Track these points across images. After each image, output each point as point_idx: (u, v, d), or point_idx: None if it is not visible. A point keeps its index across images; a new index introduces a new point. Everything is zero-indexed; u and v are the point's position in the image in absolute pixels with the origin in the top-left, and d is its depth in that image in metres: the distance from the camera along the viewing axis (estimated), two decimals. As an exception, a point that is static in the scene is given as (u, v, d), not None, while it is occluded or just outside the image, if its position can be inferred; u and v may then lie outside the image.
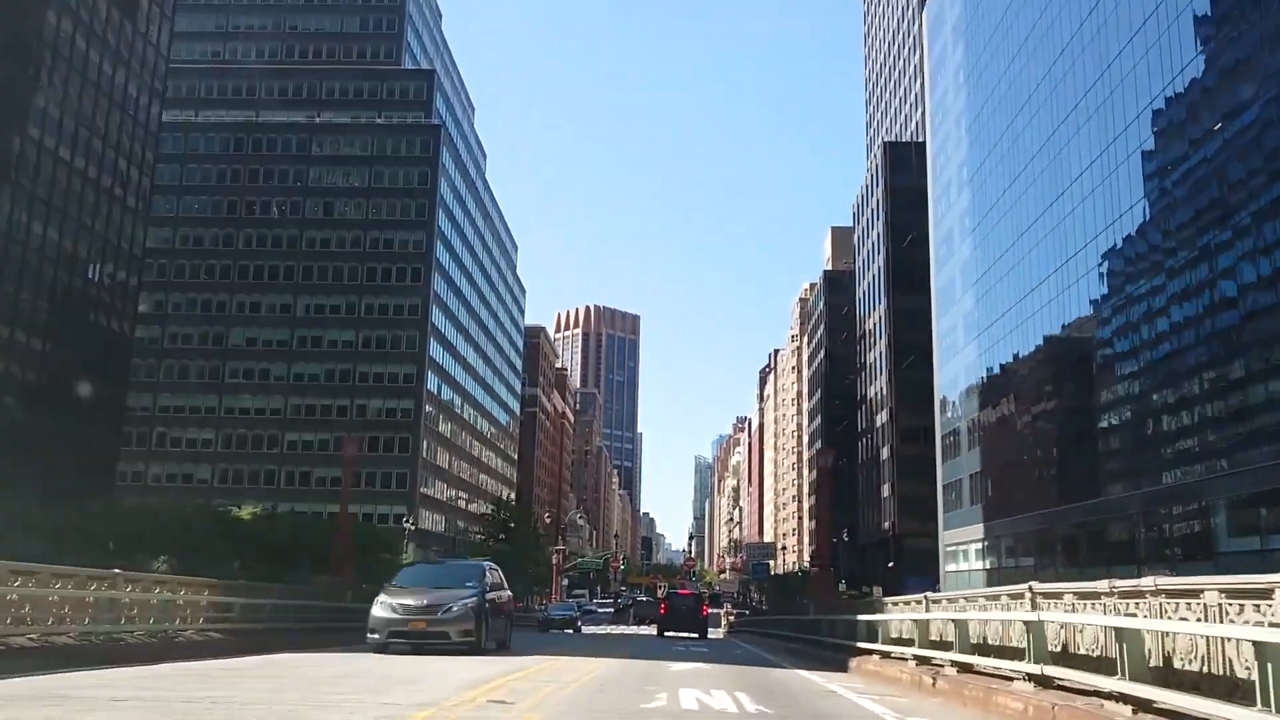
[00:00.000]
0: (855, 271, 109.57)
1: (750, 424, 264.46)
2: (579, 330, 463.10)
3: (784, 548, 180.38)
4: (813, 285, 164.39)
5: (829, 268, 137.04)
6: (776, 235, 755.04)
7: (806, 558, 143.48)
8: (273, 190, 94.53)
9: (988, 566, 59.49)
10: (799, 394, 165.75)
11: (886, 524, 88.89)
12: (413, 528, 72.20)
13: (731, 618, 62.14)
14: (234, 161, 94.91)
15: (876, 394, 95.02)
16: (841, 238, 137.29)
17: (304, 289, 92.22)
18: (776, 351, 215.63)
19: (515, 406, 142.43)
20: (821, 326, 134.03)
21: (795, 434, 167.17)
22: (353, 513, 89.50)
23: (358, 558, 52.22)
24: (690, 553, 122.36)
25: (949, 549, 67.58)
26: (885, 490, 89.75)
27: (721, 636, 59.60)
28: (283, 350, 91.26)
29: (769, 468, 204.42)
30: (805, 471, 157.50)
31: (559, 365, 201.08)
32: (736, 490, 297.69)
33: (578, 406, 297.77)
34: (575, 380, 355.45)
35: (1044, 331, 51.07)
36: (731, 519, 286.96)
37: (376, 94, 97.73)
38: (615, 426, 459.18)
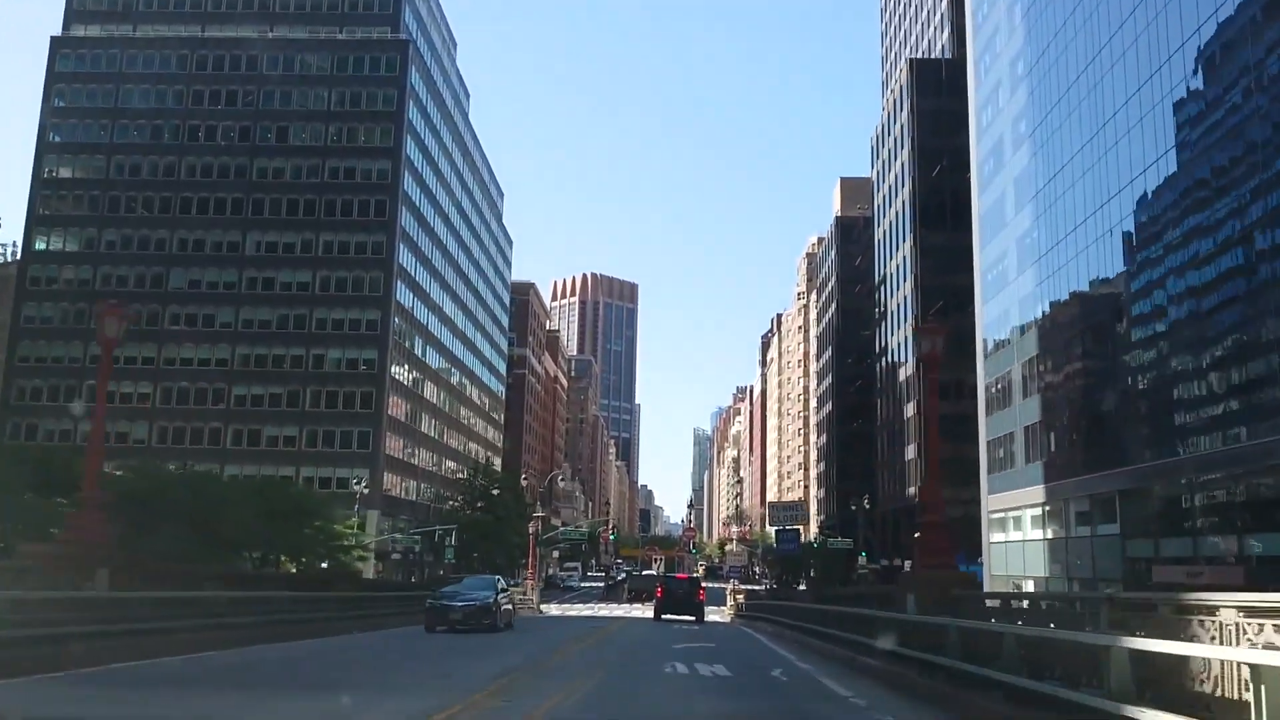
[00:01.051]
0: (874, 213, 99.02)
1: (752, 391, 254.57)
2: (575, 298, 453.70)
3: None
4: (820, 239, 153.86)
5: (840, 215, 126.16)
6: (778, 200, 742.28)
7: (815, 529, 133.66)
8: (220, 114, 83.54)
9: (1049, 536, 49.39)
10: (806, 355, 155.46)
11: (911, 490, 78.90)
12: (364, 490, 62.01)
13: (740, 597, 51.99)
14: (176, 82, 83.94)
15: (899, 345, 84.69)
16: (852, 189, 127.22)
17: (254, 225, 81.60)
18: (780, 316, 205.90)
19: (501, 367, 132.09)
20: (832, 279, 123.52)
21: (801, 398, 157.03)
22: (308, 476, 79.63)
23: (277, 523, 42.14)
24: (689, 522, 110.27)
25: (994, 516, 57.50)
26: (910, 452, 79.70)
27: (728, 620, 49.73)
28: (230, 293, 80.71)
29: (772, 435, 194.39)
30: (813, 437, 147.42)
31: (551, 327, 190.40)
32: (737, 460, 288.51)
33: (573, 373, 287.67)
34: (571, 349, 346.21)
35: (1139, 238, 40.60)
36: (739, 479, 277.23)
37: (337, 7, 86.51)
38: (613, 397, 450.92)
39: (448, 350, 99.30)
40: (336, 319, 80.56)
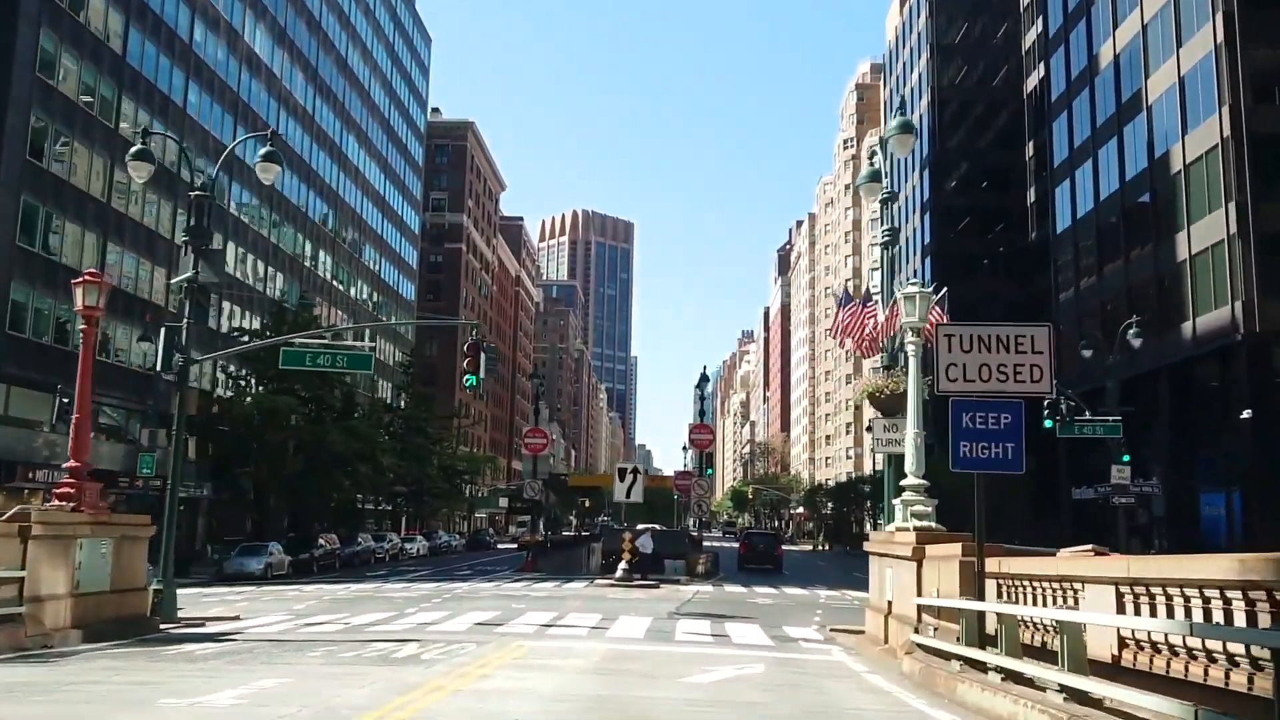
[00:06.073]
0: None
1: (767, 314, 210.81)
2: (565, 238, 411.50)
3: (828, 459, 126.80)
4: (875, 65, 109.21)
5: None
6: (782, 128, 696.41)
7: (876, 465, 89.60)
8: None
9: None
10: (856, 225, 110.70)
11: (1217, 318, 34.70)
12: None
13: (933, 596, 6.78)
14: None
15: (1136, 40, 39.94)
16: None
17: None
18: (799, 223, 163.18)
19: (413, 220, 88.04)
20: (920, 61, 78.78)
21: (851, 283, 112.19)
22: None
23: None
24: (700, 406, 63.34)
25: None
26: (1189, 242, 35.27)
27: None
28: None
29: (802, 351, 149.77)
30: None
31: (507, 210, 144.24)
32: (747, 402, 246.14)
33: (554, 295, 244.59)
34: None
35: None
36: (749, 422, 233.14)
37: None
38: (606, 345, 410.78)
39: (232, 94, 54.20)
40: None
